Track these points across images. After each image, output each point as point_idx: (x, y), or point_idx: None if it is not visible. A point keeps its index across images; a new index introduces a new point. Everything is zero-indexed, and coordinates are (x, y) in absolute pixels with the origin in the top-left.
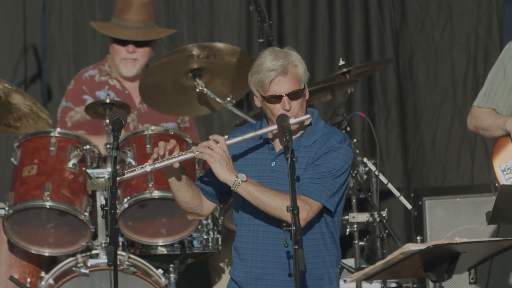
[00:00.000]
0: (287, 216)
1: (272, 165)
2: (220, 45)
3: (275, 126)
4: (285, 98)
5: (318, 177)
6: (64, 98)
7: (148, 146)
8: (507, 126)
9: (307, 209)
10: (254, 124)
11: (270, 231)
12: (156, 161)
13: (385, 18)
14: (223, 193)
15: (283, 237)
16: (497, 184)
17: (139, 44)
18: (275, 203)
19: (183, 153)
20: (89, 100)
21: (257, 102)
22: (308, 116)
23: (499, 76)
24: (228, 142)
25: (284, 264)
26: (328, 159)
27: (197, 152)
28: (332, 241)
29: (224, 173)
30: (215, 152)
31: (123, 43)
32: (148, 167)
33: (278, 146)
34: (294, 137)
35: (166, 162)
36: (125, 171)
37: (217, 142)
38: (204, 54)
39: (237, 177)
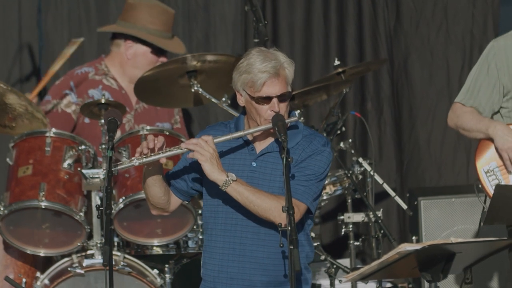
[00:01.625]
0: (276, 218)
1: (253, 165)
2: (215, 57)
3: (268, 126)
4: (275, 100)
5: (305, 180)
6: (49, 90)
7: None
8: (490, 132)
9: (296, 211)
10: (227, 123)
11: (248, 231)
12: (144, 156)
13: (380, 19)
14: (193, 190)
15: (262, 237)
16: (480, 186)
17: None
18: (265, 204)
19: (171, 149)
20: (71, 95)
21: (241, 101)
22: (295, 118)
23: (483, 73)
24: (216, 140)
25: (262, 264)
26: (313, 162)
27: (185, 149)
28: (308, 243)
29: (215, 172)
30: (206, 151)
31: (159, 54)
32: (135, 161)
33: (258, 147)
34: (273, 139)
35: (153, 157)
36: (114, 164)
37: (205, 141)
38: (199, 63)
39: (227, 176)
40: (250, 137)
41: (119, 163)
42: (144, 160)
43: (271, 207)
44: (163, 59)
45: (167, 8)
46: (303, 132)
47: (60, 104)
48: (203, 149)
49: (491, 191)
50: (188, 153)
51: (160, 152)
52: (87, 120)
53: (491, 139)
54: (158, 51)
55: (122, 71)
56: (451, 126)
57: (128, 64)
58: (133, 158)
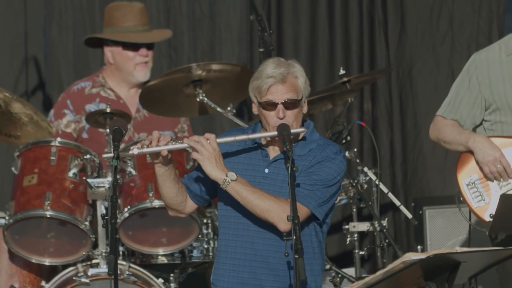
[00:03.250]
0: (274, 218)
1: (266, 171)
2: (220, 66)
3: (273, 133)
4: (280, 106)
5: (310, 184)
6: (52, 110)
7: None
8: (469, 144)
9: None
10: (245, 129)
11: (260, 236)
12: (145, 146)
13: (385, 28)
14: (206, 195)
15: (274, 243)
16: (461, 198)
17: (149, 47)
18: (263, 204)
19: (173, 142)
20: (69, 115)
21: (255, 109)
22: (303, 129)
23: (464, 86)
24: (219, 140)
25: (273, 270)
26: (322, 168)
27: (186, 144)
28: (320, 250)
29: (214, 170)
30: (205, 149)
31: (135, 48)
32: (135, 150)
33: (272, 153)
34: None
35: (154, 149)
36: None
37: (207, 139)
38: (204, 73)
39: (226, 175)
40: (263, 142)
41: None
42: (144, 150)
43: (269, 207)
44: (142, 52)
45: (134, 4)
46: (318, 141)
47: (60, 125)
48: (203, 148)
49: (472, 203)
50: None
51: (162, 145)
52: (85, 135)
53: (472, 152)
54: (131, 46)
55: (116, 80)
56: (433, 139)
57: (114, 68)
58: (133, 147)
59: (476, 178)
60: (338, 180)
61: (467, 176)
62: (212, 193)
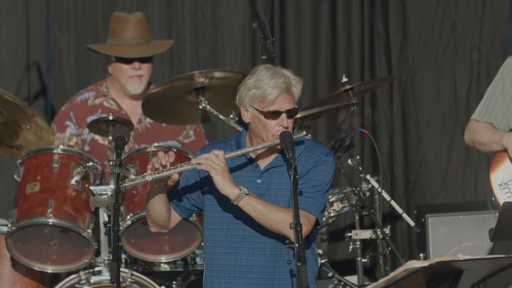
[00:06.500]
0: (288, 231)
1: (258, 182)
2: (223, 74)
3: (276, 142)
4: (284, 115)
5: (312, 191)
6: (54, 119)
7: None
8: (504, 142)
9: (307, 223)
10: (227, 140)
11: (255, 248)
12: (156, 171)
13: (387, 35)
14: (194, 207)
15: (268, 253)
16: (493, 199)
17: (143, 60)
18: (278, 217)
19: (182, 164)
20: (71, 127)
21: (247, 117)
22: (302, 134)
23: (498, 90)
24: (226, 156)
25: (269, 280)
26: (318, 172)
27: (196, 164)
28: (313, 257)
29: (227, 186)
30: (217, 165)
31: (128, 61)
32: (148, 177)
33: (262, 163)
34: (277, 155)
35: (166, 173)
36: (126, 180)
37: (216, 155)
38: (207, 80)
39: (240, 190)
40: (253, 155)
41: (130, 179)
42: (157, 175)
43: (283, 220)
44: (135, 66)
45: (133, 15)
46: (305, 143)
47: (64, 139)
48: (214, 163)
49: None
50: (191, 170)
51: (172, 167)
52: (87, 147)
53: (505, 152)
54: (124, 58)
55: (116, 90)
56: (468, 144)
57: (113, 79)
58: (145, 174)
59: (508, 178)
60: (331, 184)
61: (500, 176)
62: (200, 205)
